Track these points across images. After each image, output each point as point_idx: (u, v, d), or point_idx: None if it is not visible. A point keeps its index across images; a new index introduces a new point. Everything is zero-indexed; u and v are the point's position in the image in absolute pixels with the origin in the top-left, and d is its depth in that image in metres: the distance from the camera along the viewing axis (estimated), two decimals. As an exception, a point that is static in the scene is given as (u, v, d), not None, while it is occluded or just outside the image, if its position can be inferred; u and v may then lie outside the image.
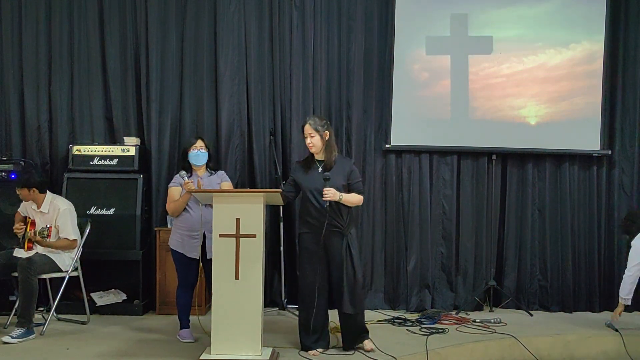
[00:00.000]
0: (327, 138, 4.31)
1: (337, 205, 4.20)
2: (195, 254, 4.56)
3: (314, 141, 4.29)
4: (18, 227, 4.97)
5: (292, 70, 5.75)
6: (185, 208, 4.61)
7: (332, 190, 4.12)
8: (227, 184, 4.78)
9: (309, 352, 4.26)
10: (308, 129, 4.29)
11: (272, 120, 5.78)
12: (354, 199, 4.27)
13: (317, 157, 4.35)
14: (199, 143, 4.69)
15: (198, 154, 4.66)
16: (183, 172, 4.61)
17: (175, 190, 4.65)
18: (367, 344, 4.35)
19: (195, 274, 4.62)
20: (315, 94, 5.76)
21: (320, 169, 4.28)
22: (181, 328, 4.69)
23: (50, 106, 5.81)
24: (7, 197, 5.37)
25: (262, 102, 5.77)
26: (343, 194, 4.19)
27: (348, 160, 4.54)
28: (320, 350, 4.28)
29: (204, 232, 4.54)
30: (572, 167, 5.76)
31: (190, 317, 4.73)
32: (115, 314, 5.36)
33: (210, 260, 4.45)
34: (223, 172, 4.89)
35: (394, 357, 4.22)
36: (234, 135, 5.75)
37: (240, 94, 5.77)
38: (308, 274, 4.27)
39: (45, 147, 5.78)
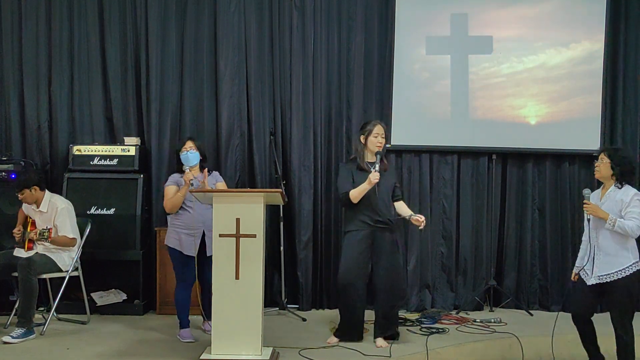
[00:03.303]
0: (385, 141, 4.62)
1: (388, 203, 4.52)
2: (193, 252, 4.59)
3: (383, 142, 4.57)
4: (17, 232, 4.98)
5: (292, 70, 5.75)
6: (182, 207, 4.64)
7: (422, 217, 4.51)
8: (222, 184, 4.84)
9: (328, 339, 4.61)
10: (381, 129, 4.56)
11: (272, 120, 5.78)
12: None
13: (369, 159, 4.54)
14: (189, 144, 4.72)
15: (188, 155, 4.67)
16: (185, 166, 4.64)
17: (171, 189, 4.68)
18: (379, 341, 4.50)
19: (194, 271, 4.65)
20: (315, 94, 5.76)
21: (373, 170, 4.44)
22: (181, 327, 4.70)
23: (50, 106, 5.81)
24: (7, 197, 5.37)
25: (262, 102, 5.77)
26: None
27: (392, 166, 4.85)
28: (335, 340, 4.57)
29: (203, 230, 4.60)
30: (572, 167, 5.76)
31: (190, 317, 4.74)
32: (115, 314, 5.36)
33: (210, 257, 4.48)
34: (217, 172, 4.95)
35: (390, 357, 4.24)
36: (234, 135, 5.75)
37: (240, 94, 5.77)
38: (352, 270, 4.49)
39: (45, 147, 5.78)
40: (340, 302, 4.62)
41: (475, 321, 5.21)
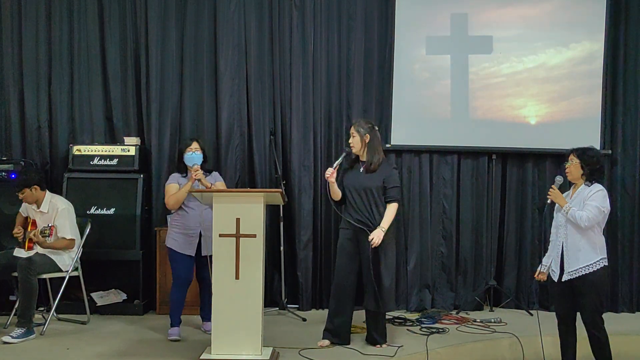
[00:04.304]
0: (367, 141, 4.48)
1: (369, 204, 4.43)
2: (191, 251, 4.64)
3: (354, 141, 4.50)
4: (17, 232, 4.98)
5: (292, 70, 5.75)
6: (181, 207, 4.66)
7: (375, 236, 4.32)
8: (221, 184, 4.84)
9: (319, 341, 4.51)
10: (352, 129, 4.54)
11: (272, 120, 5.78)
12: (390, 216, 4.43)
13: (361, 158, 4.54)
14: (194, 145, 4.74)
15: (193, 155, 4.68)
16: (196, 164, 4.64)
17: (173, 187, 4.71)
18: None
19: (191, 271, 4.70)
20: (315, 94, 5.76)
21: (362, 169, 4.50)
22: (171, 326, 4.70)
23: (50, 106, 5.81)
24: (7, 197, 5.37)
25: (262, 102, 5.77)
26: (383, 225, 4.37)
27: (390, 166, 4.70)
28: (327, 341, 4.50)
29: (200, 231, 4.62)
30: (572, 167, 5.75)
31: (192, 317, 4.75)
32: (115, 314, 5.36)
33: (206, 257, 4.52)
34: (217, 173, 4.97)
35: (390, 357, 4.24)
36: (234, 135, 5.75)
37: (240, 93, 5.77)
38: (340, 269, 4.51)
39: (45, 147, 5.78)
40: (330, 301, 4.61)
41: (475, 321, 5.21)
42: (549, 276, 4.08)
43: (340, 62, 5.80)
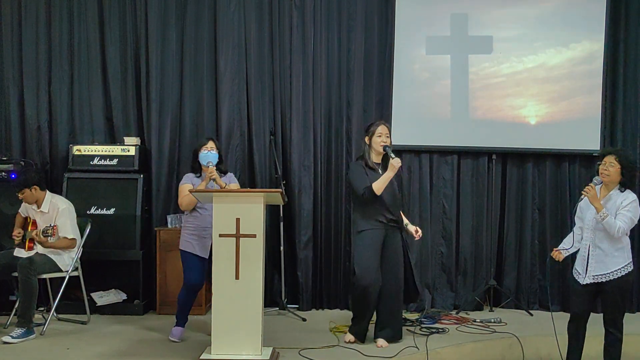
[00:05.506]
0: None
1: (397, 205, 4.59)
2: (206, 253, 4.56)
3: (388, 142, 4.56)
4: (17, 234, 4.97)
5: (292, 70, 5.75)
6: (195, 209, 4.60)
7: (419, 229, 4.67)
8: (235, 185, 4.78)
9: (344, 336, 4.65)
10: (385, 129, 4.56)
11: (272, 120, 5.78)
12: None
13: (375, 160, 4.57)
14: (210, 144, 4.67)
15: (208, 154, 4.61)
16: (210, 162, 4.56)
17: (186, 187, 4.61)
18: (380, 341, 4.52)
19: (204, 275, 4.60)
20: (315, 93, 5.76)
21: (380, 171, 4.52)
22: (176, 325, 4.66)
23: (50, 106, 5.81)
24: (7, 197, 5.37)
25: (262, 102, 5.77)
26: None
27: None
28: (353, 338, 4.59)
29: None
30: (572, 167, 5.76)
31: (192, 317, 4.74)
32: (115, 314, 5.36)
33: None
34: (232, 174, 4.90)
35: (390, 357, 4.25)
36: (234, 135, 5.75)
37: (240, 93, 5.77)
38: (371, 270, 4.44)
39: (45, 147, 5.78)
40: (359, 302, 4.50)
41: (475, 321, 5.21)
42: (572, 276, 4.08)
43: (340, 62, 5.80)
